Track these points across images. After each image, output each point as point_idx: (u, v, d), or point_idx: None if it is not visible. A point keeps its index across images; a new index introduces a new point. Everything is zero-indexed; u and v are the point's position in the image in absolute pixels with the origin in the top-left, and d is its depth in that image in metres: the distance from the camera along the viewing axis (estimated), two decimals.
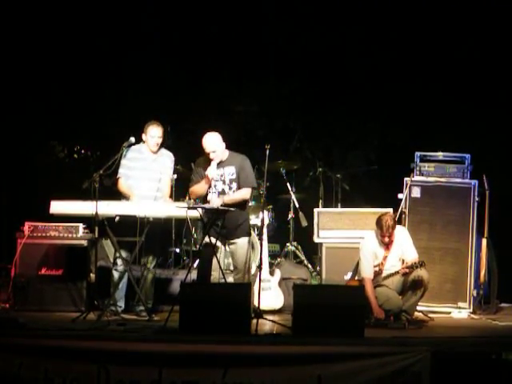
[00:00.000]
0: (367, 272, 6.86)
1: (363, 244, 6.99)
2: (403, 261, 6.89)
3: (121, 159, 7.00)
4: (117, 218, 6.77)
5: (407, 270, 6.72)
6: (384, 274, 6.87)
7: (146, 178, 7.10)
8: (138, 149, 7.15)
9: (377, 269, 6.89)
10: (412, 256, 6.86)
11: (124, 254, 6.91)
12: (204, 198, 6.92)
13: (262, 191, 8.24)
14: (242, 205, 6.82)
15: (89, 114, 9.42)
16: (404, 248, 6.90)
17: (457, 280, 7.72)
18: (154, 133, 7.07)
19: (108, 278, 7.06)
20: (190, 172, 8.30)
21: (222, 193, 6.81)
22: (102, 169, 6.71)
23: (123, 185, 7.10)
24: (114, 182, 7.25)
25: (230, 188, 6.81)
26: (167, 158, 7.23)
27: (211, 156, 6.75)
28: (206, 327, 5.80)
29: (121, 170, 7.07)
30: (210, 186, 6.81)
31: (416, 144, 8.29)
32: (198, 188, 6.87)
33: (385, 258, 6.89)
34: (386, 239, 6.80)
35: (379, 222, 6.79)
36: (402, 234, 6.97)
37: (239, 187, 6.81)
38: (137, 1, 9.51)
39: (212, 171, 6.74)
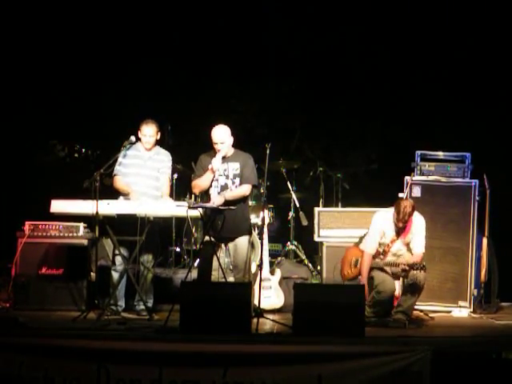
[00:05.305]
0: (369, 247, 6.81)
1: (376, 218, 6.89)
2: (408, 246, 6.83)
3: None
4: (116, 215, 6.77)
5: (407, 268, 6.67)
6: (388, 258, 6.82)
7: (142, 175, 7.10)
8: (135, 147, 7.16)
9: (381, 249, 6.84)
10: (418, 249, 6.78)
11: (124, 253, 6.91)
12: (206, 193, 6.86)
13: (262, 190, 8.24)
14: (242, 201, 6.80)
15: (89, 113, 9.41)
16: (415, 237, 6.80)
17: (457, 279, 7.72)
18: (145, 131, 7.09)
19: (108, 278, 7.06)
20: (191, 171, 8.31)
21: (225, 187, 6.76)
22: (102, 168, 6.73)
23: (120, 182, 7.09)
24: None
25: (233, 183, 6.78)
26: (164, 157, 7.22)
27: (218, 147, 6.71)
28: (206, 326, 5.80)
29: (117, 167, 7.06)
30: (212, 180, 6.76)
31: (416, 143, 8.29)
32: (202, 181, 6.79)
33: (393, 241, 6.82)
34: (400, 224, 6.68)
35: (397, 206, 6.66)
36: (418, 222, 6.82)
37: (241, 183, 6.80)
38: (137, 1, 9.50)
39: (217, 162, 6.69)
